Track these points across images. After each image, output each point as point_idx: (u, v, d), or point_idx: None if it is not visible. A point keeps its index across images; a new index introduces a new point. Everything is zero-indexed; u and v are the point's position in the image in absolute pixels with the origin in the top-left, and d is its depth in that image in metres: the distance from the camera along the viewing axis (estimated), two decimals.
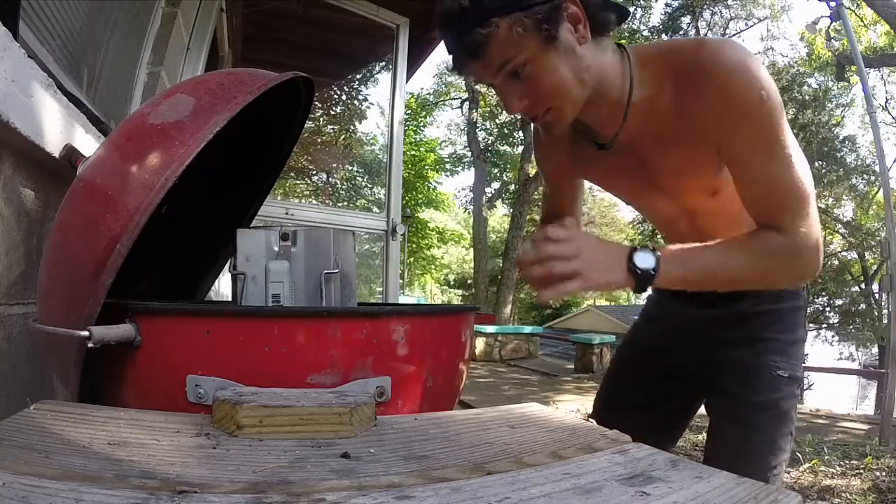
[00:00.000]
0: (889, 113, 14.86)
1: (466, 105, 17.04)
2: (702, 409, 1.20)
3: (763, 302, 1.03)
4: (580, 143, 0.96)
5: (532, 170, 13.42)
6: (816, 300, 16.47)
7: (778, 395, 1.00)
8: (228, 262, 0.79)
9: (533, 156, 1.13)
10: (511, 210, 15.96)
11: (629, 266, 0.78)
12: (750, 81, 0.77)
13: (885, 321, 9.20)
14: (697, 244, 0.82)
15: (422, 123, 18.10)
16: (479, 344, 8.83)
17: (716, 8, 15.58)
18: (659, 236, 1.20)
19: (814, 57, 14.82)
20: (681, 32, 15.91)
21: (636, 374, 1.22)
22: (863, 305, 15.77)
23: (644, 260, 0.78)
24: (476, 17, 0.73)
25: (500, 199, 19.99)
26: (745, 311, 1.05)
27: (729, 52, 0.78)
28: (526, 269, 0.77)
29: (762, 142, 0.79)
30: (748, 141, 0.79)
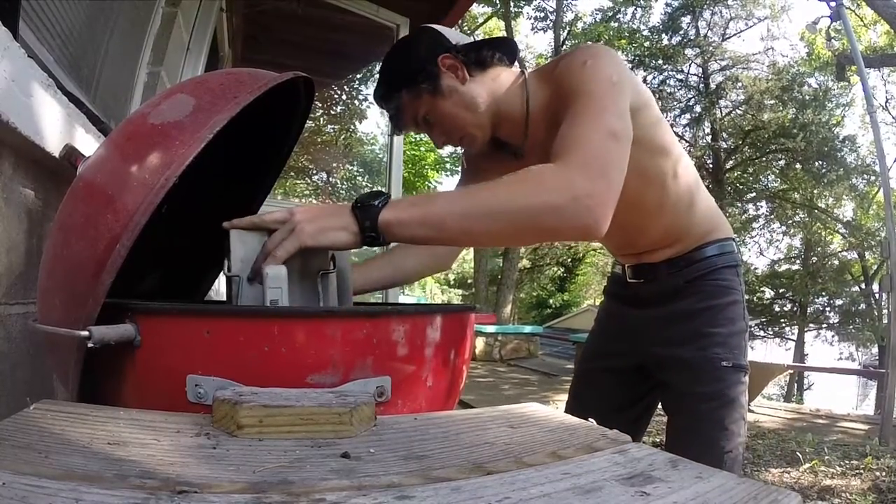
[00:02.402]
0: (889, 113, 14.86)
1: None
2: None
3: (702, 299, 1.11)
4: (502, 157, 1.09)
5: None
6: (816, 300, 16.47)
7: (723, 384, 1.08)
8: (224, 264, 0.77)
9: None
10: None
11: (353, 206, 0.73)
12: (579, 61, 0.87)
13: (885, 321, 9.21)
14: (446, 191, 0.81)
15: None
16: (479, 344, 8.83)
17: (716, 8, 15.57)
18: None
19: (814, 57, 14.83)
20: (681, 32, 15.90)
21: (596, 383, 1.30)
22: (863, 305, 15.76)
23: (370, 196, 0.73)
24: (388, 94, 1.02)
25: None
26: (686, 309, 1.12)
27: (579, 47, 0.94)
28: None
29: (575, 92, 0.84)
30: (567, 94, 0.86)
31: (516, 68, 1.05)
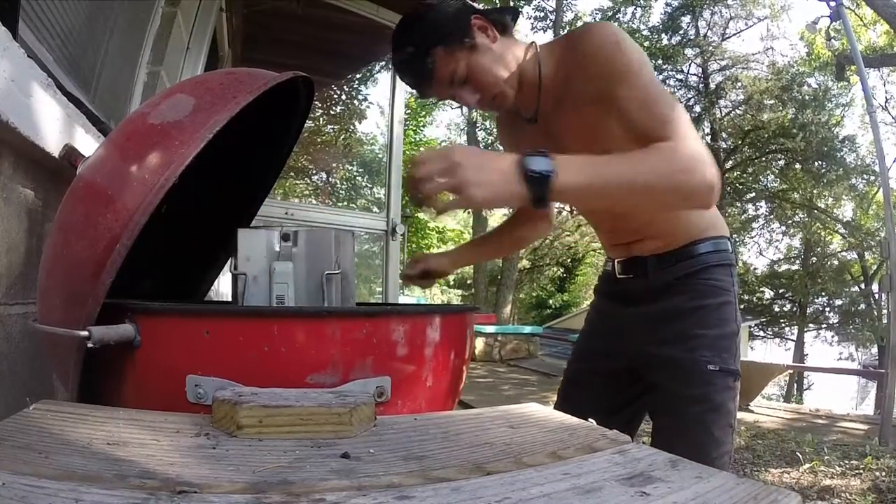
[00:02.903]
0: (889, 113, 14.85)
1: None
2: None
3: (693, 298, 1.09)
4: (520, 123, 1.15)
5: None
6: (816, 300, 16.46)
7: (710, 388, 1.06)
8: (229, 262, 0.79)
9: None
10: (510, 210, 15.94)
11: (521, 170, 0.75)
12: (604, 41, 0.94)
13: (884, 321, 9.20)
14: (603, 156, 0.83)
15: (422, 123, 18.08)
16: (479, 344, 8.83)
17: (716, 8, 15.57)
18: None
19: (814, 57, 14.81)
20: (680, 32, 15.90)
21: (585, 385, 1.28)
22: (862, 305, 15.76)
23: (538, 163, 0.76)
24: (420, 54, 1.00)
25: None
26: (676, 308, 1.10)
27: (592, 26, 0.99)
28: (413, 191, 0.76)
29: (619, 74, 0.92)
30: (610, 76, 0.93)
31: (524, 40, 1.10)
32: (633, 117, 0.91)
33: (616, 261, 1.21)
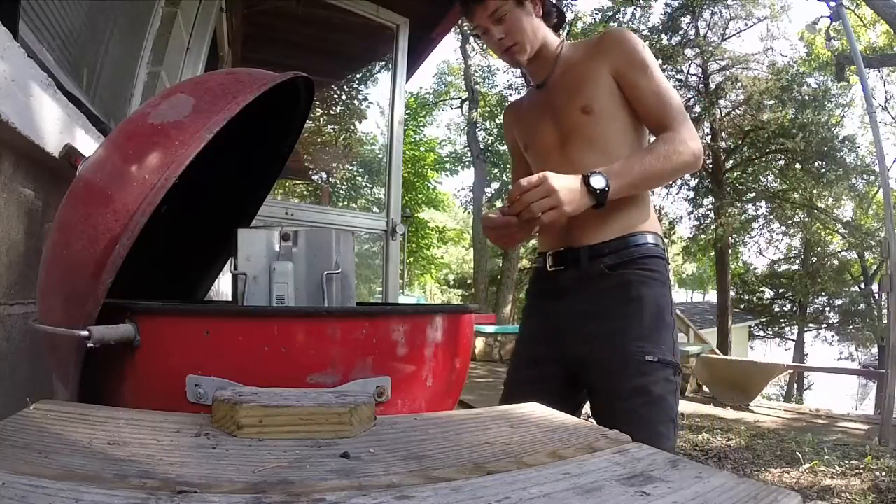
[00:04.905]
0: (889, 113, 14.85)
1: (466, 105, 17.03)
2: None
3: (627, 289, 1.11)
4: (525, 101, 1.36)
5: None
6: (816, 300, 16.46)
7: (647, 379, 1.05)
8: (229, 262, 0.79)
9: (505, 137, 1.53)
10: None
11: (588, 188, 1.01)
12: (631, 36, 1.19)
13: (884, 321, 9.21)
14: (629, 158, 1.07)
15: (422, 123, 18.10)
16: (479, 344, 8.82)
17: (716, 8, 15.56)
18: None
19: (813, 57, 14.81)
20: (680, 32, 15.90)
21: (534, 394, 1.23)
22: (862, 305, 15.76)
23: (597, 181, 1.02)
24: None
25: (500, 199, 20.00)
26: (610, 301, 1.10)
27: (619, 28, 1.32)
28: (500, 225, 1.05)
29: (641, 66, 1.15)
30: (633, 64, 1.15)
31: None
32: (649, 104, 1.15)
33: (548, 254, 1.21)
